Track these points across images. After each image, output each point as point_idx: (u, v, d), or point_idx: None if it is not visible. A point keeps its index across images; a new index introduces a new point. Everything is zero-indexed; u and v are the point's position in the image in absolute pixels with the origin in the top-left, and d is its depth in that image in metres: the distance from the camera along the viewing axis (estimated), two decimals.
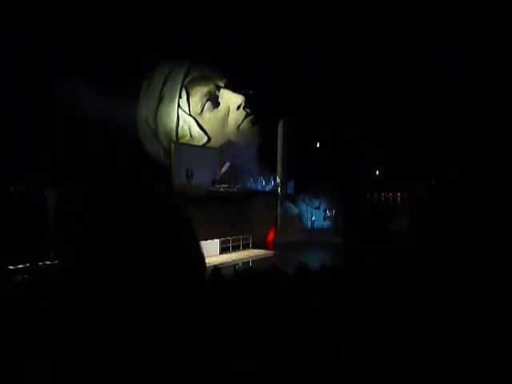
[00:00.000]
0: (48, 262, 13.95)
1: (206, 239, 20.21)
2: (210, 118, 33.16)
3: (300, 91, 36.83)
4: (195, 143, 32.34)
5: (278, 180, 33.06)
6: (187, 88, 32.96)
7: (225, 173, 31.54)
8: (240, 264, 20.16)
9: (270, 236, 30.34)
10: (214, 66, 33.81)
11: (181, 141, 32.03)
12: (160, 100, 33.10)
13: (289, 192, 33.73)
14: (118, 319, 0.53)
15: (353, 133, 39.99)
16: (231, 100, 33.57)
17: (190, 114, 32.83)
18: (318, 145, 42.40)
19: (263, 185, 34.02)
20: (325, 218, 33.61)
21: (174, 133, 32.74)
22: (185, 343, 0.57)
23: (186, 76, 33.26)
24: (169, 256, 0.57)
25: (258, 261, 21.23)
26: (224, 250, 22.12)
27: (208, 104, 33.06)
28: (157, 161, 31.84)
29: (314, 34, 39.84)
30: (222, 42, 33.03)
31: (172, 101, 32.82)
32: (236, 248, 23.03)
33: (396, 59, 41.17)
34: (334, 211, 34.08)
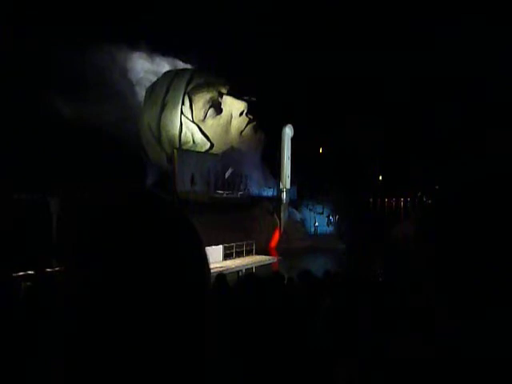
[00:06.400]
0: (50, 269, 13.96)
1: (209, 245, 20.17)
2: (212, 124, 33.28)
3: (303, 97, 36.95)
4: (198, 149, 32.43)
5: (281, 186, 33.05)
6: (190, 95, 33.13)
7: (228, 179, 31.56)
8: (243, 270, 20.09)
9: (273, 242, 30.28)
10: (217, 73, 34.20)
11: (184, 147, 32.13)
12: (163, 107, 33.32)
13: (292, 198, 33.69)
14: (122, 322, 0.54)
15: (356, 138, 39.98)
16: (234, 106, 33.70)
17: (193, 121, 32.96)
18: (320, 150, 42.45)
19: (266, 191, 34.01)
20: (328, 224, 33.54)
21: (177, 139, 32.88)
22: (187, 346, 0.57)
23: (188, 83, 33.48)
24: (173, 261, 0.57)
25: (261, 267, 21.18)
26: (227, 256, 22.07)
27: (211, 110, 33.20)
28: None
29: (316, 39, 39.99)
30: (225, 48, 33.35)
31: (175, 107, 33.00)
32: (239, 254, 22.97)
33: (395, 61, 41.25)
34: (337, 217, 34.00)
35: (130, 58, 35.33)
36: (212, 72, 34.42)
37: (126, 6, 33.86)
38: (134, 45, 33.98)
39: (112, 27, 30.78)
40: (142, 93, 35.34)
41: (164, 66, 36.64)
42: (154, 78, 35.45)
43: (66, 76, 29.37)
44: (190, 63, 36.02)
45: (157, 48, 34.94)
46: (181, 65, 36.75)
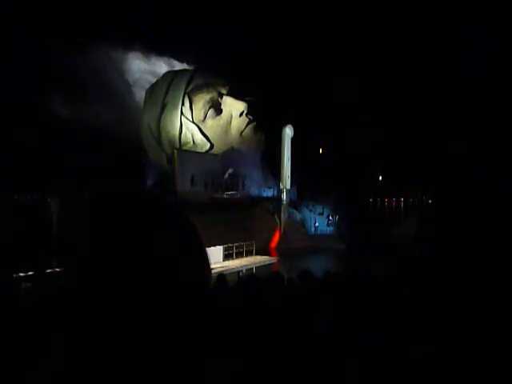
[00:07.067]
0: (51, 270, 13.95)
1: (209, 245, 20.09)
2: (212, 124, 33.28)
3: (303, 97, 36.94)
4: (198, 150, 32.44)
5: (281, 186, 33.03)
6: (190, 95, 33.14)
7: (227, 179, 31.57)
8: (244, 270, 20.07)
9: (274, 242, 30.24)
10: (216, 73, 34.25)
11: (184, 148, 32.15)
12: (163, 107, 33.32)
13: (292, 198, 33.66)
14: (121, 322, 0.54)
15: (356, 138, 39.98)
16: (234, 107, 33.70)
17: (193, 121, 32.96)
18: (320, 150, 42.41)
19: (266, 191, 33.99)
20: (328, 224, 33.49)
21: (177, 140, 32.90)
22: (187, 345, 0.57)
23: (188, 83, 33.49)
24: (173, 261, 0.57)
25: (261, 267, 21.16)
26: (227, 256, 22.03)
27: (211, 111, 33.21)
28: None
29: (315, 38, 39.98)
30: (224, 48, 33.37)
31: (175, 108, 33.00)
32: (239, 254, 22.92)
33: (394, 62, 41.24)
34: (337, 217, 33.95)
35: (126, 59, 35.46)
36: (211, 72, 34.46)
37: (122, 6, 33.95)
38: (130, 45, 34.10)
39: (108, 28, 30.91)
40: (139, 93, 35.41)
41: (161, 65, 36.72)
42: (151, 78, 35.52)
43: (64, 76, 29.46)
44: (186, 63, 36.09)
45: (153, 48, 35.04)
46: (177, 64, 36.79)
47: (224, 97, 33.64)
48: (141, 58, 36.06)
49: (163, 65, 36.75)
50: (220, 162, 31.63)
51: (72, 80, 29.84)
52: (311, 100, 37.68)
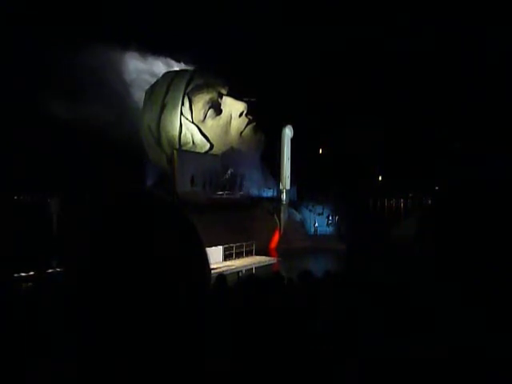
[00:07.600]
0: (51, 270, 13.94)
1: (209, 246, 20.05)
2: (212, 125, 33.26)
3: (303, 97, 36.97)
4: (198, 150, 32.42)
5: (281, 186, 33.04)
6: (190, 96, 33.11)
7: (227, 179, 31.56)
8: (243, 271, 20.07)
9: (273, 243, 30.24)
10: (216, 73, 34.26)
11: (183, 148, 32.13)
12: (163, 108, 33.30)
13: (292, 198, 33.66)
14: (121, 321, 0.54)
15: (356, 138, 39.98)
16: (234, 107, 33.68)
17: (193, 122, 32.94)
18: (320, 151, 42.42)
19: (266, 191, 33.99)
20: (328, 224, 33.48)
21: (177, 140, 32.87)
22: (187, 345, 0.57)
23: (188, 84, 33.48)
24: (173, 261, 0.57)
25: (261, 268, 21.17)
26: (227, 256, 22.03)
27: (210, 111, 33.19)
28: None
29: (315, 38, 40.03)
30: (226, 48, 33.41)
31: (175, 108, 32.98)
32: (239, 255, 22.92)
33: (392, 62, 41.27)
34: (337, 217, 33.94)
35: (123, 59, 35.50)
36: (211, 72, 34.46)
37: (119, 6, 34.02)
38: (127, 45, 34.17)
39: (106, 28, 30.98)
40: (137, 93, 35.40)
41: (158, 65, 36.70)
42: (149, 78, 35.51)
43: (63, 77, 29.49)
44: (184, 62, 36.10)
45: (150, 48, 35.08)
46: (175, 64, 36.78)
47: (224, 97, 33.63)
48: (138, 57, 36.08)
49: (161, 64, 36.75)
50: (220, 163, 31.62)
51: (71, 80, 29.86)
52: (311, 100, 37.70)
